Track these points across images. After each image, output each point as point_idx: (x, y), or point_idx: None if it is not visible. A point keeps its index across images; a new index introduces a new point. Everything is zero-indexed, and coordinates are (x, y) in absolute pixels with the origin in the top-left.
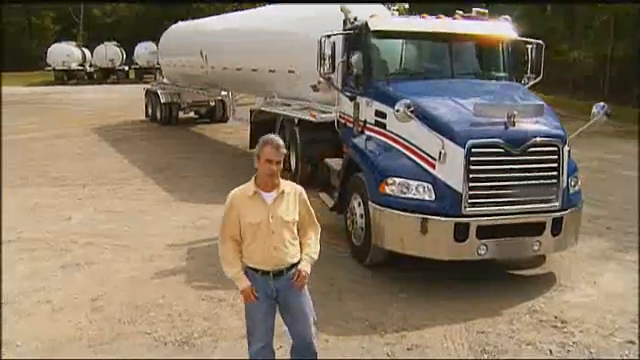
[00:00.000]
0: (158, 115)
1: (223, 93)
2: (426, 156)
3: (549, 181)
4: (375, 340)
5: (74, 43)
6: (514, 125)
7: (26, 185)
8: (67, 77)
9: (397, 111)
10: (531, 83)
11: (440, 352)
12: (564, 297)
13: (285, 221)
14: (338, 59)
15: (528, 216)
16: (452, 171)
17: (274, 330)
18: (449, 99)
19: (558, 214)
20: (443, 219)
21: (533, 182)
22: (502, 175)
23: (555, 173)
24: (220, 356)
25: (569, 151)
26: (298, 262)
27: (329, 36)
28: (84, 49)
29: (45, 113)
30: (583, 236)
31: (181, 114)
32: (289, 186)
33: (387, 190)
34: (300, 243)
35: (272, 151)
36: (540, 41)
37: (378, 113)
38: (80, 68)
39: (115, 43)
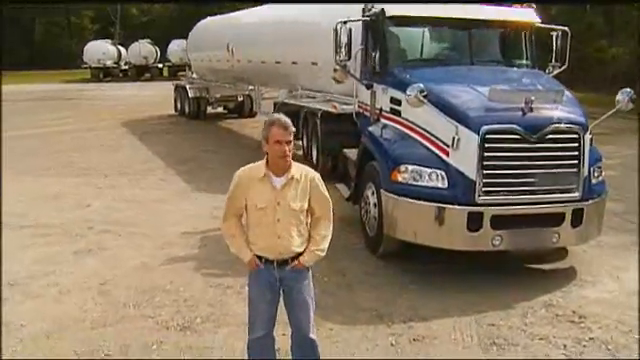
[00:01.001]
0: (186, 110)
1: (250, 88)
2: (440, 143)
3: (569, 170)
4: (381, 330)
5: (109, 41)
6: (532, 111)
7: (50, 175)
8: (103, 74)
9: (409, 96)
10: (556, 72)
11: (447, 343)
12: (584, 292)
13: (292, 209)
14: (355, 46)
15: (546, 206)
16: (466, 158)
17: (276, 318)
18: (465, 85)
19: (578, 205)
20: (456, 208)
21: (552, 171)
22: (518, 163)
23: (575, 162)
24: (220, 342)
25: (591, 139)
26: (304, 252)
27: (345, 22)
28: (119, 47)
29: (77, 108)
30: (609, 230)
31: (210, 109)
32: (302, 171)
33: (399, 178)
34: (309, 235)
35: (280, 131)
36: (566, 28)
37: (393, 100)
38: (115, 65)
39: (149, 41)
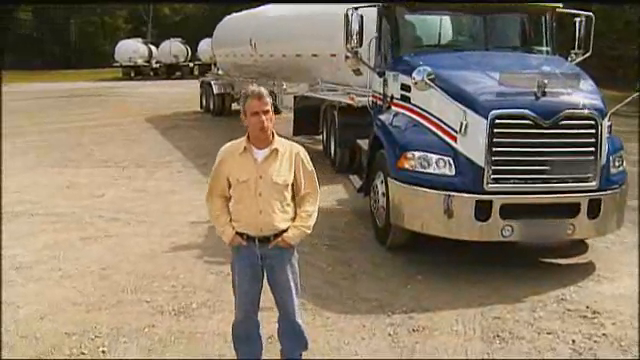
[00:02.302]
0: (211, 106)
1: (271, 83)
2: (447, 128)
3: (585, 158)
4: (380, 319)
5: (140, 40)
6: (545, 95)
7: (68, 166)
8: (134, 73)
9: (414, 79)
10: (578, 59)
11: (448, 335)
12: (600, 288)
13: (275, 182)
14: (367, 34)
15: (560, 196)
16: (474, 144)
17: (259, 300)
18: (477, 70)
19: (595, 195)
20: (464, 196)
21: (566, 158)
22: (530, 150)
23: (592, 149)
24: (213, 327)
25: (610, 126)
26: (288, 229)
27: (356, 8)
28: (151, 46)
29: (105, 104)
30: (634, 227)
31: (234, 105)
32: (285, 145)
33: (406, 165)
34: (295, 213)
35: (255, 102)
36: (590, 13)
37: (403, 87)
38: (146, 64)
39: (180, 40)
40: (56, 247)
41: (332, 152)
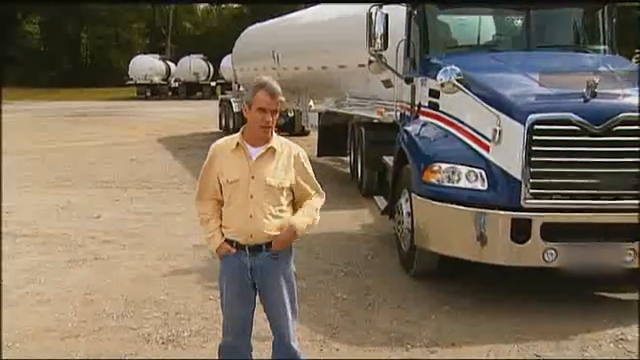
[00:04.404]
0: (231, 125)
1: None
2: (479, 136)
3: None
4: (397, 353)
5: (157, 56)
6: (595, 96)
7: (66, 186)
8: (150, 92)
9: (441, 80)
10: None
11: None
12: None
13: (269, 185)
14: (393, 35)
15: (616, 214)
16: (509, 154)
17: (251, 320)
18: (513, 70)
19: None
20: (498, 213)
21: (621, 170)
22: (576, 160)
23: None
24: (204, 357)
25: None
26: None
27: (381, 6)
28: (169, 62)
29: (114, 123)
30: None
31: None
32: (284, 144)
33: (432, 178)
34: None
35: (266, 98)
36: None
37: (432, 92)
38: (163, 82)
39: (201, 56)
40: (38, 270)
41: (359, 173)
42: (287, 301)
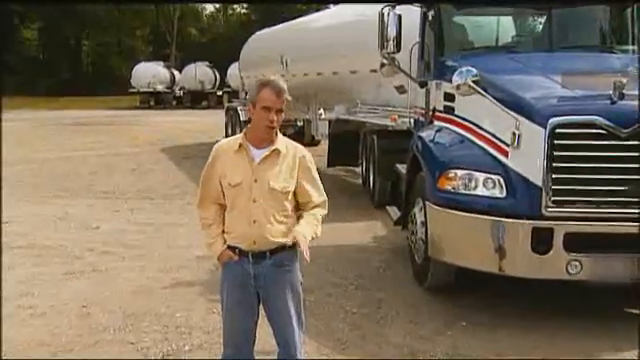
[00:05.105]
0: (238, 134)
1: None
2: (497, 141)
3: None
4: None
5: (161, 63)
6: (623, 98)
7: (65, 196)
8: (154, 101)
9: (455, 82)
10: None
11: None
12: None
13: (272, 188)
14: (406, 37)
15: None
16: (529, 159)
17: (254, 332)
18: (534, 72)
19: None
20: (517, 222)
21: None
22: (602, 165)
23: None
24: None
25: None
26: (288, 246)
27: (394, 6)
28: (173, 70)
29: (115, 133)
30: None
31: None
32: (289, 145)
33: (447, 186)
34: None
35: (272, 96)
36: None
37: (447, 96)
38: (167, 91)
39: (207, 63)
40: (32, 282)
41: (371, 184)
42: (293, 311)
